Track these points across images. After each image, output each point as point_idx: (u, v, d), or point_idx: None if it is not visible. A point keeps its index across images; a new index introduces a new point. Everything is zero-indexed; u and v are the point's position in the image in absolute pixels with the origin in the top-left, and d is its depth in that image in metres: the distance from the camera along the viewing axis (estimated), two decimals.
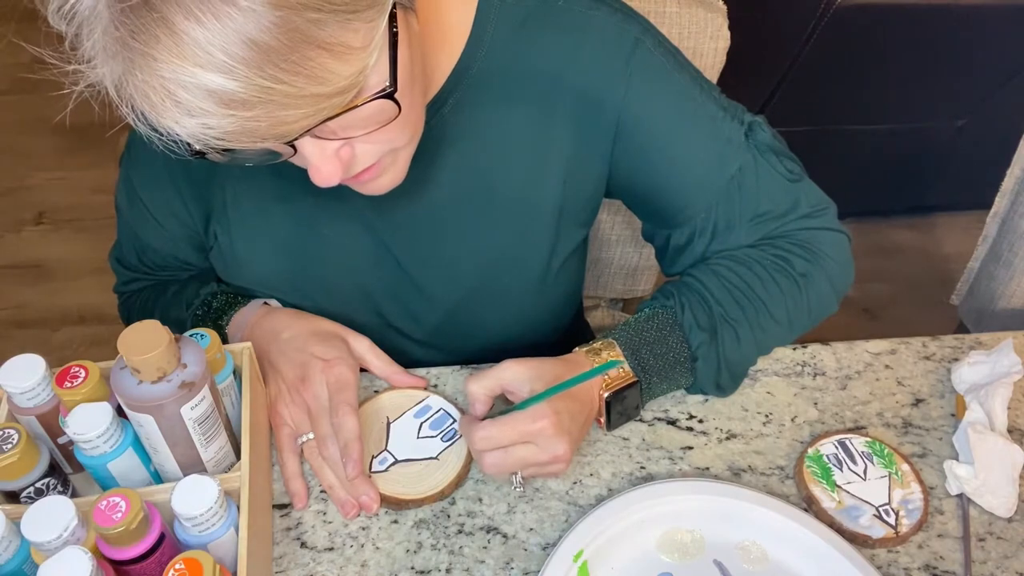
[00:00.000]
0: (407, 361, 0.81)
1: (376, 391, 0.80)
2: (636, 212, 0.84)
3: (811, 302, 0.78)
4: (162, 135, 0.51)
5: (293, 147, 0.54)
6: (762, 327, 0.76)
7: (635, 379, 0.73)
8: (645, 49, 0.72)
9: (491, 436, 0.66)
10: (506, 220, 0.76)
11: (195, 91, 0.47)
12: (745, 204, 0.77)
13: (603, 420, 0.74)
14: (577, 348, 0.74)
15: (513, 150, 0.74)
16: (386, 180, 0.64)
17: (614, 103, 0.72)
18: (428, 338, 0.85)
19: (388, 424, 0.77)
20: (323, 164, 0.56)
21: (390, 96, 0.53)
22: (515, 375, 0.69)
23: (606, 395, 0.72)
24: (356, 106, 0.52)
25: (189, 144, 0.51)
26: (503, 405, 0.71)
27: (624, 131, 0.73)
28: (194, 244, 0.83)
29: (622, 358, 0.73)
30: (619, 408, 0.74)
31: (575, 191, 0.77)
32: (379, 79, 0.53)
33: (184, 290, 0.86)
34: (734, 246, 0.78)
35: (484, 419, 0.68)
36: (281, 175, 0.74)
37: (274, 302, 0.82)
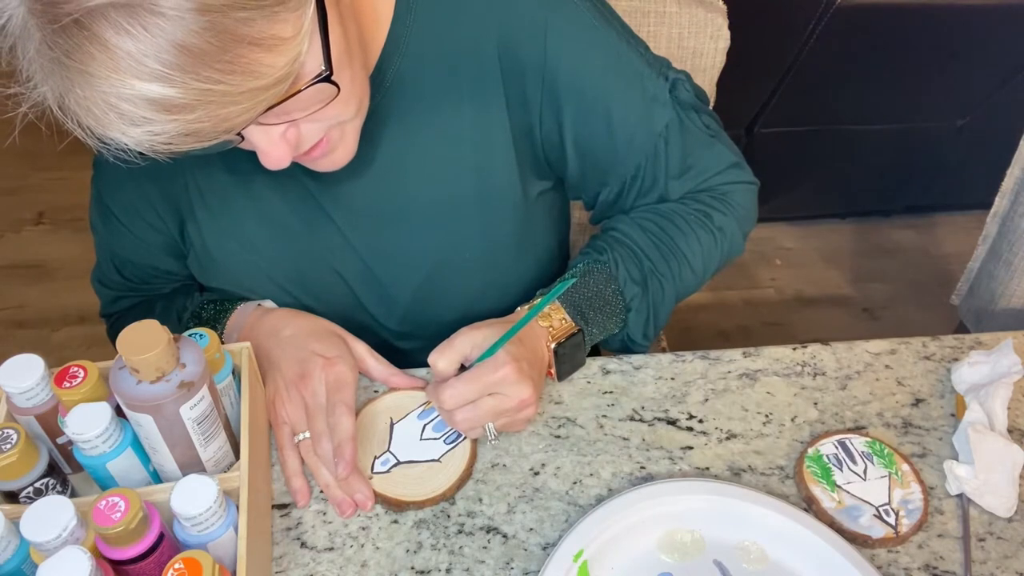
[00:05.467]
0: (392, 353, 0.82)
1: (376, 391, 0.80)
2: (565, 177, 0.84)
3: (724, 251, 0.84)
4: (110, 146, 0.52)
5: (240, 135, 0.55)
6: (683, 279, 0.82)
7: (578, 328, 0.76)
8: (568, 2, 0.72)
9: (457, 392, 0.68)
10: (463, 200, 0.77)
11: (136, 101, 0.48)
12: (671, 161, 0.79)
13: (553, 371, 0.77)
14: (519, 307, 0.77)
15: (455, 128, 0.74)
16: (338, 155, 0.65)
17: (535, 59, 0.72)
18: (399, 326, 0.86)
19: (391, 425, 0.77)
20: (271, 149, 0.57)
21: (327, 79, 0.54)
22: (473, 339, 0.71)
23: (553, 345, 0.75)
24: (295, 93, 0.53)
25: (140, 153, 0.52)
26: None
27: (549, 87, 0.73)
28: (172, 252, 0.83)
29: (562, 309, 0.76)
30: (566, 357, 0.77)
31: (523, 150, 0.77)
32: (315, 63, 0.54)
33: (172, 304, 0.86)
34: (658, 200, 0.82)
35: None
36: (243, 172, 0.75)
37: (268, 303, 0.82)
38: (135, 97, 0.47)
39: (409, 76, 0.71)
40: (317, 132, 0.61)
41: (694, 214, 0.81)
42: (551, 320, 0.76)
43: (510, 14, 0.71)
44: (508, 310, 0.78)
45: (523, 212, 0.80)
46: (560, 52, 0.72)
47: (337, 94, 0.56)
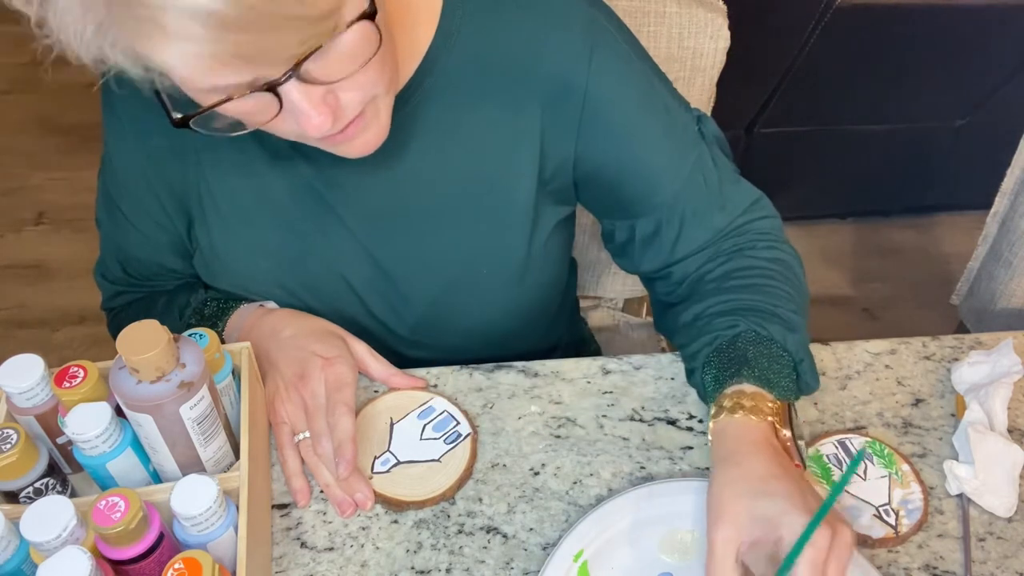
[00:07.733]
0: (398, 360, 0.82)
1: (376, 391, 0.80)
2: (598, 207, 0.84)
3: (798, 277, 0.79)
4: (150, 78, 0.51)
5: (280, 101, 0.54)
6: (799, 305, 0.76)
7: (788, 403, 0.70)
8: (608, 33, 0.73)
9: None
10: (480, 211, 0.76)
11: (180, 14, 0.47)
12: (708, 192, 0.78)
13: (799, 463, 0.67)
14: (714, 425, 0.68)
15: (485, 140, 0.74)
16: (372, 135, 0.64)
17: (578, 84, 0.72)
18: (411, 334, 0.85)
19: (391, 425, 0.77)
20: (312, 110, 0.56)
21: (371, 17, 0.54)
22: (742, 528, 0.60)
23: (788, 433, 0.67)
24: (339, 32, 0.53)
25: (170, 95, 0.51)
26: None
27: (589, 113, 0.74)
28: (177, 250, 0.83)
29: (770, 407, 0.67)
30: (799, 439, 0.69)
31: (548, 174, 0.77)
32: (356, 9, 0.53)
33: (174, 300, 0.85)
34: (702, 238, 0.79)
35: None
36: (255, 175, 0.75)
37: (271, 303, 0.82)
38: (180, 8, 0.47)
39: (444, 88, 0.72)
40: (355, 103, 0.60)
41: (770, 261, 0.78)
42: (761, 406, 0.67)
43: (555, 43, 0.71)
44: (521, 321, 0.77)
45: (538, 232, 0.79)
46: (600, 84, 0.72)
47: (379, 44, 0.56)
